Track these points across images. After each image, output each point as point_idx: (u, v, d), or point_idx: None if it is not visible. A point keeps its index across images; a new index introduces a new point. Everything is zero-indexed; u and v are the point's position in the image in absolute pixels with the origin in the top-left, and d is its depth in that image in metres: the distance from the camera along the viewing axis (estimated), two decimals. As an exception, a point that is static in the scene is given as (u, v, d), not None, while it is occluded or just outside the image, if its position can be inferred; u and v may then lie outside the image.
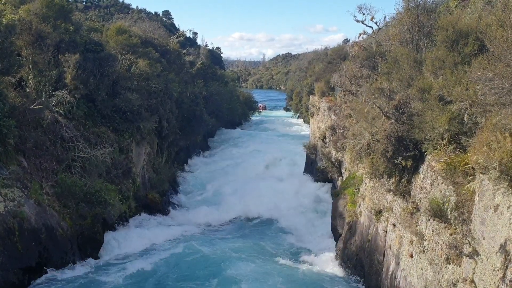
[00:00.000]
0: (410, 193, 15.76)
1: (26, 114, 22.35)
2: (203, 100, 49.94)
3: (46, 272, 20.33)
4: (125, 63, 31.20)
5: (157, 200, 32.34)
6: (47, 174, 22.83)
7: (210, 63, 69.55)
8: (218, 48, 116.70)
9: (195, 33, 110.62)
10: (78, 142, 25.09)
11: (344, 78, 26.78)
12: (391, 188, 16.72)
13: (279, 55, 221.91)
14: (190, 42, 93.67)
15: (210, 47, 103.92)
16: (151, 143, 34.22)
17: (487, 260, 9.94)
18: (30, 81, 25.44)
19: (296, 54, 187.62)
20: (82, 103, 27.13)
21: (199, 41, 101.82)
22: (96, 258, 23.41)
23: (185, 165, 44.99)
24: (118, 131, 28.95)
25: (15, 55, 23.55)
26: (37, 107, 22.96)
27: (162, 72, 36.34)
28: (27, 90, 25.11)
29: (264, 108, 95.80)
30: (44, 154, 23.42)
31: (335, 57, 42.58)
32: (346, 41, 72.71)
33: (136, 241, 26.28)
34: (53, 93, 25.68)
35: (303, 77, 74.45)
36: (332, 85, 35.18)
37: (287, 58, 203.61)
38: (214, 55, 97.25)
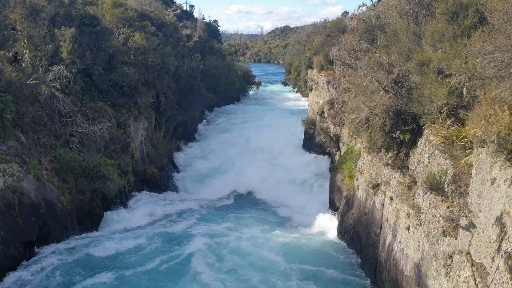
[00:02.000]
0: (408, 167, 15.84)
1: (22, 89, 22.20)
2: (200, 74, 49.54)
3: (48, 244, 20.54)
4: (122, 37, 30.84)
5: (156, 175, 32.45)
6: (45, 149, 22.85)
7: (207, 37, 68.47)
8: (215, 21, 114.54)
9: (192, 6, 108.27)
10: (75, 117, 25.03)
11: (343, 51, 26.61)
12: (389, 162, 16.79)
13: (277, 28, 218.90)
14: (186, 15, 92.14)
15: (207, 20, 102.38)
16: (149, 118, 34.14)
17: (483, 232, 10.06)
18: (26, 55, 25.19)
19: (294, 27, 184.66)
20: (79, 78, 26.94)
21: (196, 14, 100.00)
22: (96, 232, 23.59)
23: (183, 140, 44.97)
24: (115, 106, 28.83)
25: (9, 29, 23.26)
26: (34, 82, 22.80)
27: (159, 46, 35.94)
28: (23, 65, 24.89)
29: (260, 83, 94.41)
30: (42, 129, 23.38)
31: (334, 30, 42.03)
32: (345, 13, 71.84)
33: (135, 215, 26.47)
34: (50, 67, 25.46)
35: (302, 50, 73.63)
36: (331, 59, 34.99)
37: (285, 31, 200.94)
38: (211, 29, 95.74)
